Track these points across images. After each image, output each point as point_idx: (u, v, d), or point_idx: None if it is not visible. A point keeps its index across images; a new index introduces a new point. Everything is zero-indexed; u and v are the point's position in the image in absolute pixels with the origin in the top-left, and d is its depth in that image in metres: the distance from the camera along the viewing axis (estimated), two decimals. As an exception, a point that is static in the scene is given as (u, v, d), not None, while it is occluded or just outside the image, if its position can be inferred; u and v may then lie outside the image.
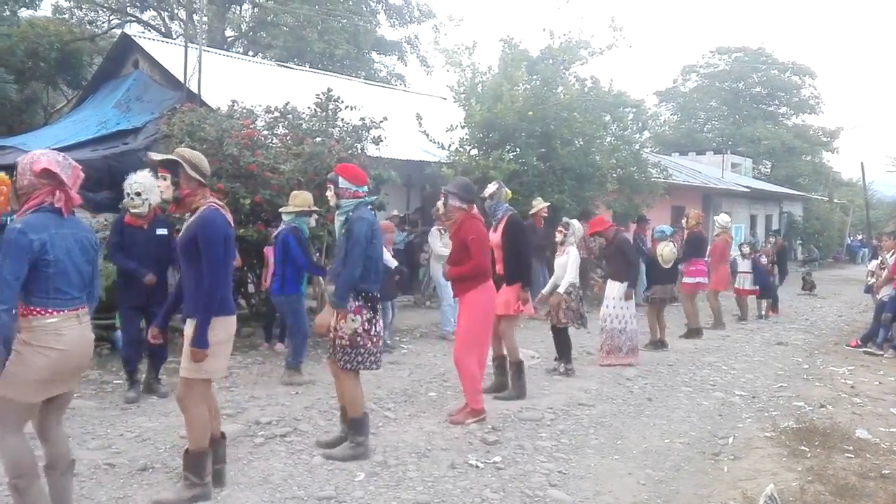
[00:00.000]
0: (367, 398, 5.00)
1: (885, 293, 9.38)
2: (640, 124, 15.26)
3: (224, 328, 3.62)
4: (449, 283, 8.74)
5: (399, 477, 4.16)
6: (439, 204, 5.40)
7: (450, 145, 11.84)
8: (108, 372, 6.32)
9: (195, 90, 10.51)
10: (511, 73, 11.87)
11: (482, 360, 5.43)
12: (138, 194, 5.58)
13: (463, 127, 12.06)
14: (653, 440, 5.11)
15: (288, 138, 8.40)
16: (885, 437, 5.35)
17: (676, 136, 40.14)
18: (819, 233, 27.88)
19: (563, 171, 12.01)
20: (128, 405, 5.43)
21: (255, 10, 24.45)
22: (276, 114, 8.72)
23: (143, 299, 5.56)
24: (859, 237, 34.93)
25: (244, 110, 8.62)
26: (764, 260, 12.56)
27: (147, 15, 24.11)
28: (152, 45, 14.12)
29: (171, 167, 3.63)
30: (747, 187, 24.98)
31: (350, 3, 24.60)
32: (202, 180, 3.66)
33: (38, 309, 2.98)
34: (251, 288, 8.58)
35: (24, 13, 17.67)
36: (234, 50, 23.21)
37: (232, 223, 3.72)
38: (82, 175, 3.19)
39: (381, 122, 9.03)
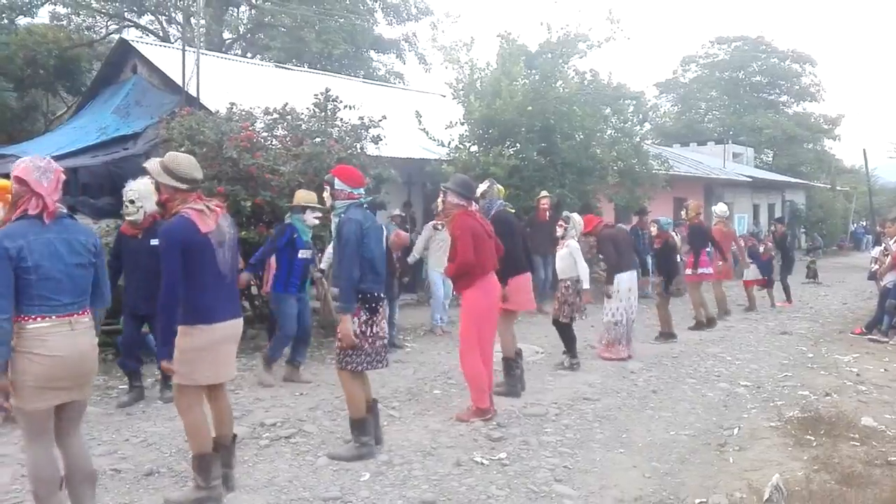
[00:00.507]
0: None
1: (889, 280, 9.36)
2: (641, 116, 15.19)
3: (201, 335, 3.56)
4: (439, 281, 8.89)
5: (404, 476, 4.16)
6: (438, 201, 5.40)
7: (450, 142, 11.83)
8: (112, 377, 6.34)
9: (194, 94, 10.52)
10: (509, 69, 11.85)
11: (487, 358, 5.38)
12: (132, 202, 5.53)
13: (462, 123, 12.05)
14: (658, 433, 5.11)
15: (287, 139, 8.40)
16: (890, 424, 5.34)
17: (677, 127, 40.04)
18: (822, 221, 27.81)
19: (563, 166, 11.99)
20: (129, 410, 5.44)
21: (253, 11, 24.44)
22: (275, 115, 8.72)
23: (141, 307, 5.49)
24: (863, 224, 34.82)
25: (243, 112, 8.63)
26: (761, 248, 12.52)
27: (145, 19, 24.12)
28: (150, 49, 14.14)
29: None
30: (749, 177, 24.91)
31: (347, 2, 24.56)
32: (178, 185, 3.58)
33: (23, 316, 3.00)
34: (254, 290, 8.59)
35: (22, 21, 17.72)
36: (232, 52, 23.23)
37: (212, 229, 3.58)
38: (63, 178, 3.18)
39: (380, 120, 9.03)
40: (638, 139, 14.10)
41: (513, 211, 6.63)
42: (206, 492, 3.64)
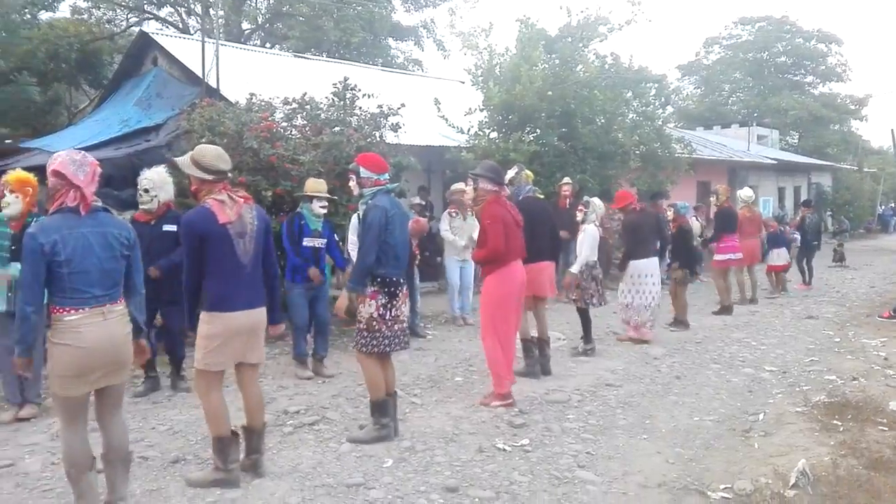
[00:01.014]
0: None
1: (918, 262, 9.17)
2: (663, 99, 14.99)
3: (217, 323, 3.66)
4: (455, 269, 8.88)
5: (427, 462, 4.18)
6: (469, 188, 5.37)
7: (469, 129, 11.77)
8: (137, 366, 6.40)
9: (214, 85, 10.57)
10: (529, 54, 11.74)
11: (507, 343, 5.39)
12: (146, 191, 5.59)
13: (482, 110, 11.97)
14: (681, 419, 5.08)
15: (307, 129, 8.41)
16: (920, 409, 5.25)
17: (700, 109, 39.46)
18: (849, 203, 27.26)
19: (584, 151, 11.88)
20: (155, 398, 5.53)
21: (271, 1, 24.45)
22: (294, 105, 8.73)
23: (151, 294, 5.50)
24: (891, 206, 34.16)
25: (262, 103, 8.65)
26: (788, 229, 12.31)
27: (164, 11, 24.25)
28: (170, 41, 14.22)
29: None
30: (774, 159, 24.49)
31: (365, -11, 24.46)
32: (205, 176, 3.68)
33: (58, 308, 3.11)
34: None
35: (44, 15, 17.88)
36: (250, 42, 23.29)
37: (231, 219, 3.62)
38: (100, 171, 3.25)
39: (399, 108, 9.00)
40: (660, 123, 13.92)
41: (541, 197, 6.62)
42: (224, 474, 3.74)
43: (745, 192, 11.45)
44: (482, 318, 5.40)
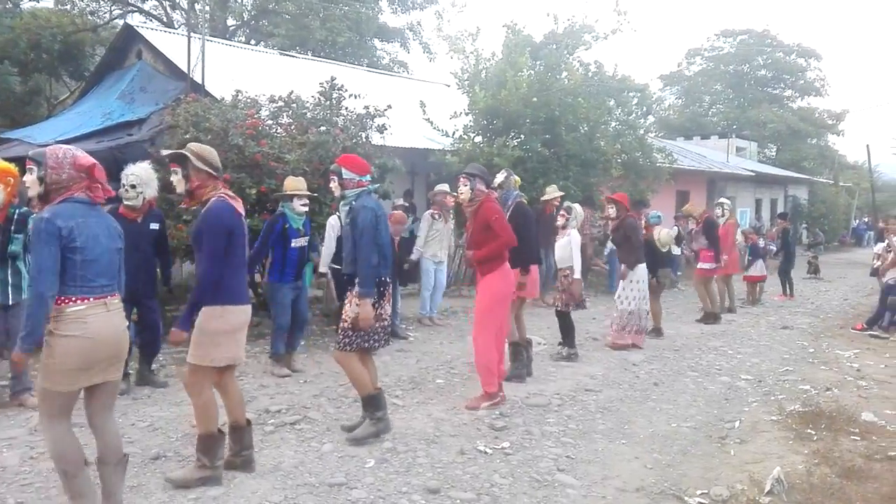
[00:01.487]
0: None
1: (890, 276, 9.39)
2: (645, 109, 15.16)
3: (229, 317, 3.67)
4: (431, 270, 8.92)
5: (409, 463, 4.20)
6: (463, 188, 5.40)
7: (454, 132, 11.82)
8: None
9: (199, 80, 10.50)
10: (515, 60, 11.82)
11: (500, 342, 5.46)
12: (133, 186, 5.52)
13: (467, 114, 12.03)
14: (660, 424, 5.15)
15: (292, 127, 8.40)
16: (891, 419, 5.38)
17: (681, 120, 39.97)
18: (824, 216, 27.77)
19: (567, 157, 11.98)
20: (135, 394, 5.47)
21: (257, -2, 24.31)
22: (280, 103, 8.71)
23: (139, 289, 5.35)
24: (865, 220, 34.79)
25: (248, 100, 8.62)
26: (762, 243, 12.55)
27: (148, 4, 24.04)
28: (155, 35, 14.10)
29: (181, 161, 3.72)
30: (752, 171, 24.87)
31: (352, -11, 24.42)
32: (212, 172, 3.71)
33: (64, 297, 3.01)
34: (257, 278, 8.61)
35: (27, 4, 17.65)
36: (235, 39, 23.14)
37: (243, 214, 3.76)
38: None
39: (386, 110, 9.02)
40: (642, 132, 14.08)
41: (526, 202, 6.71)
42: (211, 471, 3.72)
43: (728, 203, 11.61)
44: (478, 315, 5.40)
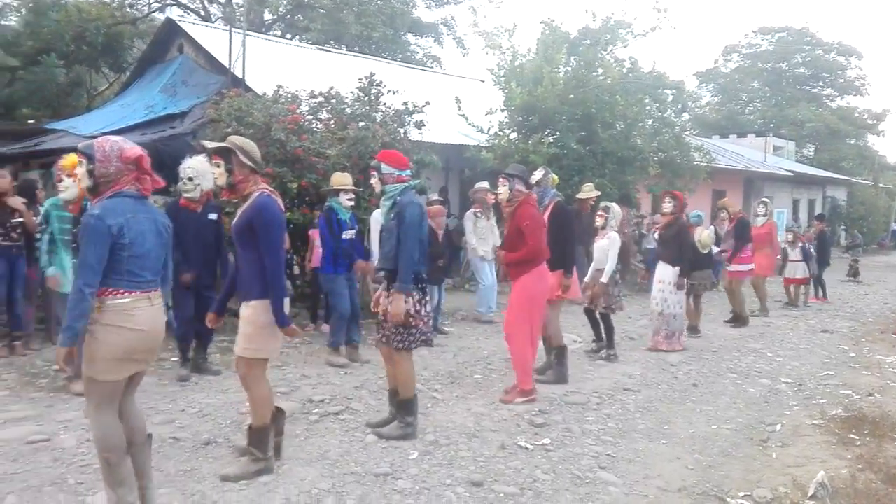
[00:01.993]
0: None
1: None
2: (680, 106, 15.02)
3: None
4: (485, 266, 8.95)
5: (451, 456, 4.26)
6: (503, 188, 5.46)
7: (489, 129, 11.83)
8: (163, 349, 6.51)
9: (239, 75, 10.65)
10: (551, 56, 11.80)
11: (534, 340, 5.51)
12: (190, 179, 5.70)
13: (503, 110, 12.04)
14: (699, 426, 5.13)
15: (332, 123, 8.50)
16: (936, 426, 5.29)
17: (717, 118, 39.44)
18: (863, 218, 27.24)
19: (603, 155, 11.93)
20: (183, 382, 5.63)
21: (293, -9, 24.50)
22: (320, 98, 8.81)
23: (204, 278, 5.74)
24: (905, 223, 34.02)
25: (289, 95, 8.73)
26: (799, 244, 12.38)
27: (186, -2, 24.37)
28: (196, 29, 14.33)
29: (224, 154, 3.76)
30: (790, 171, 24.47)
31: (387, -16, 24.51)
32: (254, 167, 3.76)
33: (111, 290, 3.06)
34: (296, 270, 8.74)
35: (71, -2, 18.03)
36: (271, 33, 23.38)
37: (283, 208, 3.84)
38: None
39: (424, 106, 9.08)
40: (679, 129, 13.95)
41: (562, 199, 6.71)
42: (265, 462, 3.79)
43: (769, 201, 11.43)
44: (513, 315, 5.45)
